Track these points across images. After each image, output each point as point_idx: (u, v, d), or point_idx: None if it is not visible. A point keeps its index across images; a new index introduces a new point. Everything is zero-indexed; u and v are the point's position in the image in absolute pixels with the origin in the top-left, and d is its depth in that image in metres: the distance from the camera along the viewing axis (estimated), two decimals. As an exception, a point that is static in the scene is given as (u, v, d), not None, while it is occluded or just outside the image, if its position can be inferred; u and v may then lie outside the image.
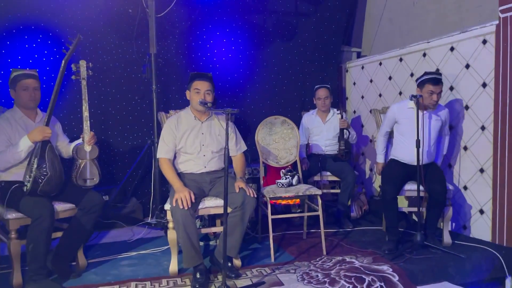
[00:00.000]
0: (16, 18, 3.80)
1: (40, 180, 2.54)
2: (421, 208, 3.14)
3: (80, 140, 2.94)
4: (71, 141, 3.07)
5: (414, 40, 4.27)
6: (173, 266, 2.79)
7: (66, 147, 3.01)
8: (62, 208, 2.72)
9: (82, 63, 2.96)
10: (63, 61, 2.71)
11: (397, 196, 3.20)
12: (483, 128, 3.34)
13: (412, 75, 4.06)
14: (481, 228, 3.37)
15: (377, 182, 4.54)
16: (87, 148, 2.89)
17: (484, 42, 3.32)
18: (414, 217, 3.98)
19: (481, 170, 3.37)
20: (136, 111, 4.33)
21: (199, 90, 2.88)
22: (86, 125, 2.89)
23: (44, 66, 3.90)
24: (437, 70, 3.75)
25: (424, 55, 3.92)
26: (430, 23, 4.34)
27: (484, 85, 3.33)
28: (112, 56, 4.20)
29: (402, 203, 3.77)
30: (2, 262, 2.89)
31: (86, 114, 2.90)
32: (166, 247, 3.28)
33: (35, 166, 2.55)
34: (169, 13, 4.16)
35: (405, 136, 3.32)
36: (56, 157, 2.65)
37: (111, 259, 3.09)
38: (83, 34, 4.06)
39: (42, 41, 3.87)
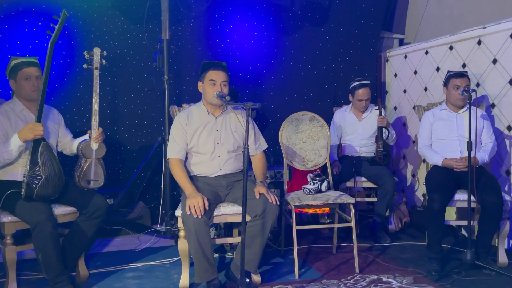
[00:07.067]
0: (16, -1, 3.90)
1: (34, 185, 2.58)
2: (472, 222, 3.07)
3: (86, 137, 2.98)
4: (75, 137, 3.12)
5: (467, 25, 4.18)
6: (184, 280, 2.81)
7: (69, 144, 3.06)
8: (62, 211, 2.77)
9: (96, 51, 3.00)
10: (49, 44, 2.62)
11: (446, 207, 3.16)
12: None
13: (464, 65, 3.97)
14: (544, 247, 3.28)
15: (420, 190, 4.47)
16: (94, 146, 2.93)
17: (552, 27, 3.21)
18: (464, 232, 3.90)
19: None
20: (146, 105, 4.39)
21: (215, 81, 2.89)
22: (95, 120, 2.92)
23: (45, 52, 3.98)
24: (494, 60, 3.67)
25: (479, 42, 3.83)
26: (487, 5, 4.24)
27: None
28: (120, 42, 4.26)
29: (450, 215, 3.68)
30: (-4, 270, 2.98)
31: (95, 107, 2.93)
32: (176, 258, 3.32)
33: (27, 169, 2.59)
34: (184, -7, 4.21)
35: (443, 139, 3.44)
36: (53, 156, 2.70)
37: (115, 270, 3.14)
38: (88, 17, 4.15)
39: (43, 25, 3.96)
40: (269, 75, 4.75)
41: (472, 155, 3.01)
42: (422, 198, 4.39)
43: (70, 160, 3.58)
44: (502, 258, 3.16)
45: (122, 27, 4.27)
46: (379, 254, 3.50)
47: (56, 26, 2.64)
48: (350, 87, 4.06)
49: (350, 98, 4.09)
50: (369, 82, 4.03)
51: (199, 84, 3.00)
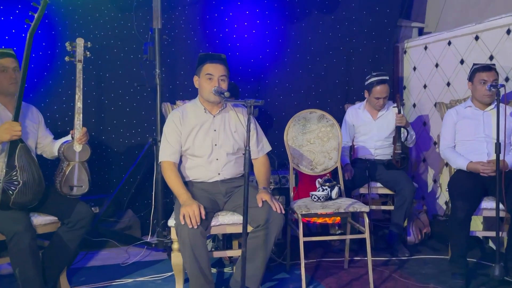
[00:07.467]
0: (-11, -16, 3.92)
1: (10, 192, 2.59)
2: (500, 233, 3.07)
3: (68, 137, 3.00)
4: (56, 138, 3.13)
5: (495, 12, 4.18)
6: (178, 298, 2.83)
7: (49, 145, 3.08)
8: (42, 221, 2.78)
9: (79, 42, 3.02)
10: (28, 34, 2.65)
11: (471, 216, 3.17)
12: None
13: (491, 58, 3.97)
14: None
15: (442, 197, 4.47)
16: (77, 147, 2.94)
17: None
18: (491, 244, 3.90)
19: None
20: (135, 102, 4.40)
21: (212, 76, 2.90)
22: (78, 118, 2.94)
23: (23, 44, 4.00)
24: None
25: (509, 32, 3.83)
26: (517, -10, 4.24)
27: None
28: (106, 31, 4.27)
29: (476, 226, 3.68)
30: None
31: (79, 105, 2.95)
32: (169, 273, 3.33)
33: (3, 174, 2.60)
34: (178, -23, 4.23)
35: (469, 140, 3.45)
36: (31, 160, 2.72)
37: (100, 287, 3.14)
38: (71, 4, 4.16)
39: (21, 13, 3.97)
40: (273, 68, 4.76)
41: (501, 158, 3.01)
42: (444, 206, 4.38)
43: (50, 164, 3.59)
44: (535, 273, 3.17)
45: (109, 15, 4.28)
46: (396, 269, 3.50)
47: (36, 15, 2.65)
48: (367, 82, 4.05)
49: (366, 95, 4.09)
50: (388, 77, 4.03)
51: (195, 78, 3.01)
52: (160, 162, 2.96)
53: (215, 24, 4.57)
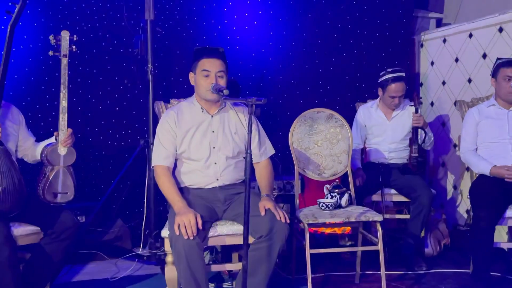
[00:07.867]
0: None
1: None
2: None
3: (52, 140, 3.01)
4: (39, 140, 3.14)
5: (521, 1, 4.19)
6: (172, 317, 2.82)
7: (31, 149, 3.08)
8: (22, 231, 2.77)
9: (64, 35, 3.03)
10: (9, 27, 2.69)
11: (495, 226, 3.17)
12: None
13: (517, 51, 3.97)
14: None
15: (463, 205, 4.46)
16: (62, 151, 2.95)
17: None
18: (517, 256, 3.90)
19: None
20: (125, 100, 4.40)
21: (209, 72, 2.89)
22: (63, 119, 2.95)
23: (3, 37, 4.01)
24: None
25: (536, 23, 3.83)
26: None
27: None
28: (93, 23, 4.28)
29: (500, 236, 3.67)
30: None
31: (64, 104, 2.96)
32: (162, 289, 3.33)
33: None
34: (172, -36, 4.23)
35: (492, 142, 3.45)
36: (12, 164, 2.71)
37: (87, 304, 3.15)
38: (55, -6, 4.18)
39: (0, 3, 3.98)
40: (277, 63, 4.76)
41: None
42: (465, 215, 4.38)
43: (32, 169, 3.59)
44: None
45: (97, 5, 4.29)
46: (412, 284, 3.49)
47: (18, 6, 2.66)
48: (381, 79, 4.04)
49: (380, 93, 4.08)
50: (404, 74, 4.01)
51: (191, 75, 3.01)
52: (152, 167, 2.96)
53: (213, 15, 4.58)
